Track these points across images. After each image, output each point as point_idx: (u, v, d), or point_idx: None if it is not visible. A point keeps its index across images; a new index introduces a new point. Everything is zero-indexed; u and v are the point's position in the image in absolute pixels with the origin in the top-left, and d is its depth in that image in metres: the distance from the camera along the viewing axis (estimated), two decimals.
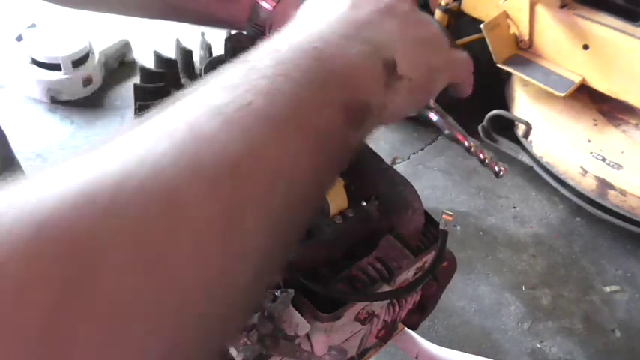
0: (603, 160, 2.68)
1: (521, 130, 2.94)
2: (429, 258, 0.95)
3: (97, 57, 3.14)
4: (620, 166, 2.65)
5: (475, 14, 3.07)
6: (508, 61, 2.92)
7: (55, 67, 2.98)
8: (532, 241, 2.79)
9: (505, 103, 3.14)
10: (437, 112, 0.69)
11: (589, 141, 2.77)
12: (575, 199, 2.79)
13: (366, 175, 1.00)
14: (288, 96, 0.39)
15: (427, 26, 0.57)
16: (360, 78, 0.45)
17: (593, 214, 2.78)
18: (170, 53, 1.15)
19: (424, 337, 1.40)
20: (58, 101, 3.05)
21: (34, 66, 2.99)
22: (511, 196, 3.00)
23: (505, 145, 3.01)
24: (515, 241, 2.78)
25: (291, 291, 0.88)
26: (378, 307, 1.01)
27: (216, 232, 0.33)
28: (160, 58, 1.11)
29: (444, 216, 0.95)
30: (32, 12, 3.49)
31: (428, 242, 1.00)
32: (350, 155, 0.46)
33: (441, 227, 0.95)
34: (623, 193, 2.60)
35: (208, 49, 1.15)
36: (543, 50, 2.90)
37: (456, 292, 2.49)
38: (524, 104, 2.96)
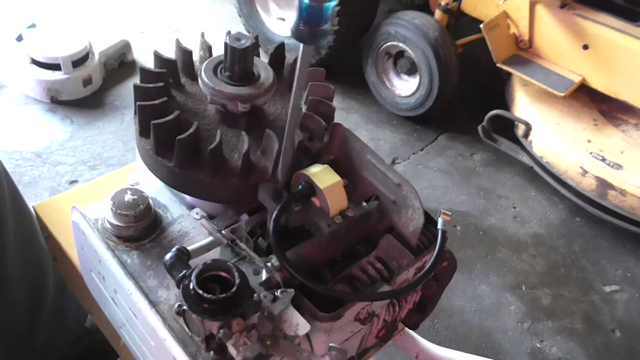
0: (603, 160, 2.68)
1: (521, 130, 2.94)
2: (429, 258, 0.95)
3: (97, 57, 3.14)
4: (620, 166, 2.65)
5: (475, 14, 3.07)
6: (508, 61, 2.92)
7: (55, 67, 2.98)
8: (532, 241, 2.79)
9: (505, 103, 3.14)
10: None
11: (589, 141, 2.77)
12: (575, 199, 2.79)
13: (366, 175, 1.00)
14: None
15: None
16: None
17: (593, 214, 2.78)
18: (170, 53, 1.15)
19: (424, 337, 1.40)
20: (58, 101, 3.05)
21: (34, 66, 2.99)
22: (511, 196, 3.00)
23: (505, 145, 3.01)
24: (515, 241, 2.78)
25: (291, 291, 0.88)
26: (378, 307, 1.01)
27: None
28: (160, 58, 1.11)
29: (442, 215, 0.95)
30: (32, 12, 3.49)
31: (428, 242, 1.00)
32: None
33: (440, 227, 0.95)
34: (623, 193, 2.60)
35: (208, 49, 1.15)
36: (543, 50, 2.90)
37: (456, 292, 2.49)
38: (524, 104, 2.96)
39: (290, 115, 0.85)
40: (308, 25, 0.73)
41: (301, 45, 0.77)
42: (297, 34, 0.74)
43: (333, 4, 0.72)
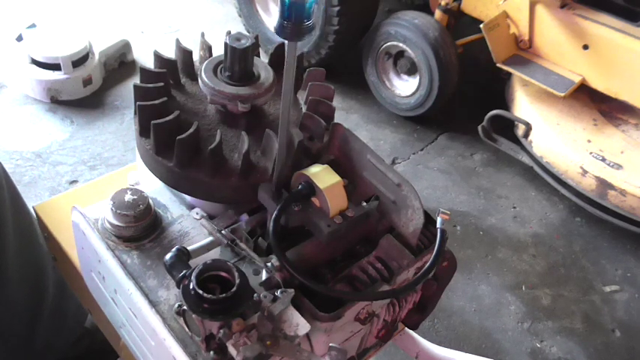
0: (603, 160, 2.68)
1: (521, 130, 2.94)
2: (429, 258, 0.95)
3: (97, 57, 3.14)
4: (620, 166, 2.65)
5: (475, 14, 3.07)
6: (508, 61, 2.92)
7: (55, 67, 2.98)
8: (532, 241, 2.79)
9: (505, 103, 3.14)
10: None
11: (589, 141, 2.77)
12: (575, 199, 2.79)
13: (366, 175, 1.00)
14: None
15: None
16: None
17: (593, 214, 2.78)
18: (170, 53, 1.15)
19: (424, 337, 1.40)
20: (58, 101, 3.05)
21: (34, 66, 2.99)
22: (511, 196, 3.00)
23: (505, 145, 3.01)
24: (515, 241, 2.78)
25: (291, 291, 0.88)
26: (378, 307, 1.01)
27: None
28: (160, 58, 1.11)
29: (441, 214, 0.95)
30: (32, 12, 3.49)
31: (428, 242, 1.00)
32: None
33: (439, 226, 0.95)
34: (623, 193, 2.60)
35: (208, 49, 1.15)
36: (543, 50, 2.90)
37: (456, 292, 2.49)
38: (524, 104, 2.96)
39: (282, 111, 0.85)
40: (291, 22, 0.74)
41: (286, 42, 0.78)
42: (281, 31, 0.75)
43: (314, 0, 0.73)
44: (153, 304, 0.90)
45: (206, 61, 1.04)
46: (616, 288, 2.63)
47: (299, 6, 0.73)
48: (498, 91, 3.25)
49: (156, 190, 1.07)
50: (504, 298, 2.51)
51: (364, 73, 3.35)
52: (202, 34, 1.17)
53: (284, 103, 0.84)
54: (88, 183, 1.44)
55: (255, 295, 0.84)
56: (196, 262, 0.83)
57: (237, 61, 1.00)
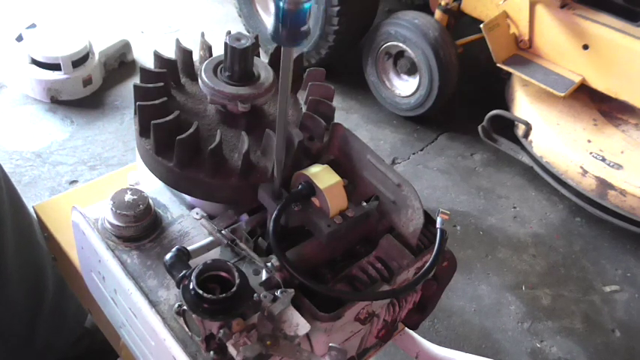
0: (603, 160, 2.68)
1: (521, 130, 2.94)
2: (429, 258, 0.95)
3: (97, 57, 3.14)
4: (620, 166, 2.64)
5: (475, 14, 3.07)
6: (508, 61, 2.92)
7: (55, 67, 2.98)
8: (532, 241, 2.79)
9: (505, 103, 3.14)
10: None
11: (589, 141, 2.77)
12: (575, 199, 2.79)
13: (366, 175, 1.00)
14: None
15: None
16: None
17: (593, 214, 2.78)
18: (170, 53, 1.15)
19: (424, 337, 1.40)
20: (58, 101, 3.05)
21: (34, 66, 2.99)
22: (511, 196, 3.00)
23: (505, 145, 3.01)
24: (515, 241, 2.78)
25: (291, 291, 0.88)
26: (378, 307, 1.01)
27: None
28: (160, 58, 1.11)
29: (440, 214, 0.95)
30: (32, 12, 3.49)
31: (428, 242, 1.00)
32: None
33: (439, 226, 0.95)
34: (623, 193, 2.60)
35: (208, 49, 1.15)
36: (543, 50, 2.90)
37: (456, 292, 2.49)
38: (524, 104, 2.96)
39: (278, 115, 0.85)
40: (286, 28, 0.73)
41: (282, 48, 0.78)
42: (276, 37, 0.75)
43: (308, 5, 0.72)
44: (153, 304, 0.90)
45: (206, 61, 1.04)
46: (616, 288, 2.63)
47: (294, 13, 0.73)
48: (498, 91, 3.25)
49: (156, 190, 1.07)
50: (504, 298, 2.51)
51: (364, 73, 3.35)
52: (202, 34, 1.17)
53: (280, 107, 0.84)
54: (88, 183, 1.44)
55: (255, 295, 0.84)
56: (196, 262, 0.83)
57: (237, 61, 1.00)
